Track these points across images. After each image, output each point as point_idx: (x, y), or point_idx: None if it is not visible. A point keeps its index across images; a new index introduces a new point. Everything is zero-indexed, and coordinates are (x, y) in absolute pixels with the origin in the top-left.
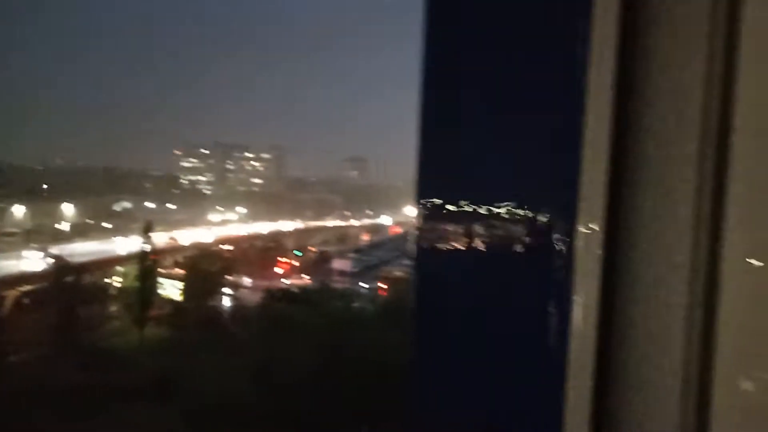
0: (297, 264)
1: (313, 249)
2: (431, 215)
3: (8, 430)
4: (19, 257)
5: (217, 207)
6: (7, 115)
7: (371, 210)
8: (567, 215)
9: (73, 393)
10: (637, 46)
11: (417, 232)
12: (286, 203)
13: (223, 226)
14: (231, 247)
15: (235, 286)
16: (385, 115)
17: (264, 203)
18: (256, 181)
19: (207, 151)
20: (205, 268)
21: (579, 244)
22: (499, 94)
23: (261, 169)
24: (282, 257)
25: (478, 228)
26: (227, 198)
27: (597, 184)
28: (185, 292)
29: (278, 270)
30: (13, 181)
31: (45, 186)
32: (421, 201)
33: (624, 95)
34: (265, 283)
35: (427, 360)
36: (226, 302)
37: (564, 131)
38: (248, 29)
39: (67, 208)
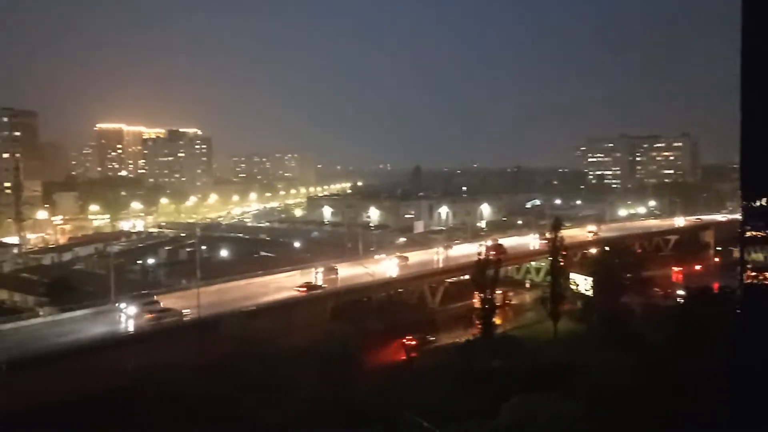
0: (718, 260)
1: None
2: None
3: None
4: (441, 251)
5: (627, 201)
6: (430, 127)
7: None
8: None
9: (484, 378)
10: None
11: None
12: (702, 194)
13: (633, 221)
14: (643, 243)
15: (647, 283)
16: None
17: (676, 195)
18: (667, 171)
19: (611, 145)
20: (614, 264)
21: None
22: None
23: (672, 158)
24: (700, 253)
25: None
26: (636, 191)
27: None
28: (594, 287)
29: (696, 267)
30: (437, 185)
31: (464, 188)
32: None
33: None
34: (680, 282)
35: None
36: (636, 300)
37: None
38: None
39: (484, 207)
